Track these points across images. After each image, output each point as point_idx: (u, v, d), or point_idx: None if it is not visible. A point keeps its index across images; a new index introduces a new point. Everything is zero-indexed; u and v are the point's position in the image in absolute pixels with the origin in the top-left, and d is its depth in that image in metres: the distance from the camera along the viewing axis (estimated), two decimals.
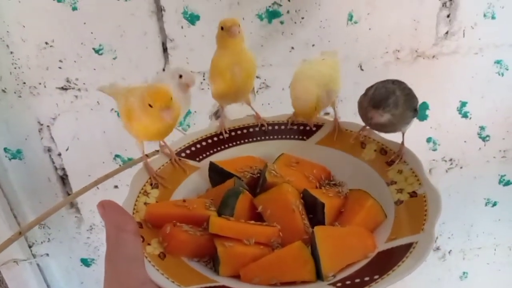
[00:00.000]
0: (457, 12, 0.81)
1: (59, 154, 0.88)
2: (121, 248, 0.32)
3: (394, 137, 0.45)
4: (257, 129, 0.49)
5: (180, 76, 0.50)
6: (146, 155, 0.45)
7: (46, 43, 0.77)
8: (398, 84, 0.41)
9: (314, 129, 0.48)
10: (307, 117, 0.45)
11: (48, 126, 0.84)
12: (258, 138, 0.48)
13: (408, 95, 0.41)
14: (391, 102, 0.39)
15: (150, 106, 0.38)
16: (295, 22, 0.79)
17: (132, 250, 0.32)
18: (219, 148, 0.47)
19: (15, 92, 0.81)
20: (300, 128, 0.49)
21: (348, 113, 0.87)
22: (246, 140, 0.48)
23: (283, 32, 0.80)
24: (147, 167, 0.43)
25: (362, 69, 0.85)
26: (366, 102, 0.40)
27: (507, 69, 0.87)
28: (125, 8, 0.75)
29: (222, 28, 0.46)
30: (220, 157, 0.46)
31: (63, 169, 0.90)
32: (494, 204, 1.04)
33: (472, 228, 1.08)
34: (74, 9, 0.74)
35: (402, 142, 0.43)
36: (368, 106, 0.39)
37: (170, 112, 0.38)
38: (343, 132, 0.47)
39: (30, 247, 0.99)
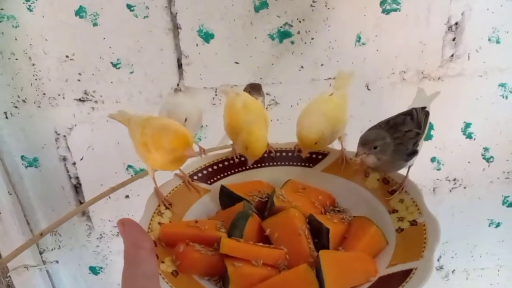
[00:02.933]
0: (462, 36, 0.83)
1: (74, 163, 0.91)
2: (138, 265, 0.34)
3: None
4: (265, 155, 0.50)
5: (185, 120, 0.51)
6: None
7: (67, 56, 0.80)
8: (392, 131, 0.42)
9: (320, 157, 0.50)
10: (306, 149, 0.47)
11: (64, 136, 0.87)
12: (267, 164, 0.50)
13: (400, 144, 0.42)
14: (378, 145, 0.41)
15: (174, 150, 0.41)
16: (305, 42, 0.82)
17: (149, 267, 0.34)
18: (229, 172, 0.49)
19: (34, 102, 0.84)
20: (306, 156, 0.50)
21: (355, 131, 0.89)
22: (255, 166, 0.50)
23: (293, 52, 0.83)
24: (157, 192, 0.45)
25: (369, 89, 0.87)
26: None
27: (511, 92, 0.88)
28: (143, 25, 0.78)
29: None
30: (230, 181, 0.48)
31: (77, 178, 0.92)
32: (498, 225, 1.05)
33: (476, 248, 1.08)
34: (95, 24, 0.77)
35: (407, 175, 0.45)
36: (359, 147, 0.42)
37: (193, 149, 0.41)
38: (347, 161, 0.49)
39: (41, 253, 1.01)
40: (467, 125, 0.92)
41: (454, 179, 0.98)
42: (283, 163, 0.50)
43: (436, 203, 1.00)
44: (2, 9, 0.75)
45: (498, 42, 0.84)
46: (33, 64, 0.80)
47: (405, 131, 0.42)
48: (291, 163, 0.50)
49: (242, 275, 0.36)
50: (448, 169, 0.96)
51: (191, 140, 0.41)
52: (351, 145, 0.50)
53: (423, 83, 0.87)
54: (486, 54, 0.85)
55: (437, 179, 0.98)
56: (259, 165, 0.50)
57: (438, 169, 0.96)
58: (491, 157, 0.95)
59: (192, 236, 0.39)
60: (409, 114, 0.45)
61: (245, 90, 0.59)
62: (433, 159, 0.95)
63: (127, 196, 0.95)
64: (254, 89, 0.58)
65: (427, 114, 0.47)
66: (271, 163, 0.50)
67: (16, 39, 0.78)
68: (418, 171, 0.96)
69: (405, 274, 0.34)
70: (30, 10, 0.76)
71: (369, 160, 0.42)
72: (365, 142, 0.42)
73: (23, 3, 0.75)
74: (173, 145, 0.40)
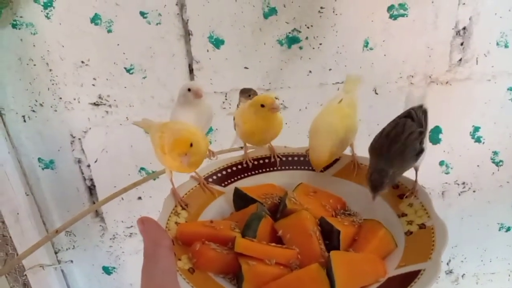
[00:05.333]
0: (470, 40, 0.84)
1: (88, 166, 0.93)
2: (157, 262, 0.35)
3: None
4: (278, 159, 0.52)
5: (189, 90, 0.54)
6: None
7: (82, 62, 0.83)
8: (393, 145, 0.43)
9: (331, 162, 0.51)
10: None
11: (79, 139, 0.90)
12: (279, 168, 0.52)
13: (403, 152, 0.43)
14: (385, 185, 0.42)
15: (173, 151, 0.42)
16: (313, 48, 0.84)
17: (167, 264, 0.35)
18: (243, 175, 0.50)
19: (51, 106, 0.86)
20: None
21: (364, 135, 0.89)
22: (268, 169, 0.51)
23: (302, 57, 0.84)
24: (174, 193, 0.47)
25: (376, 93, 0.88)
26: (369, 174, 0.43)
27: None
28: (156, 32, 0.81)
29: (262, 106, 0.49)
30: (244, 184, 0.49)
31: (91, 179, 0.95)
32: (508, 229, 1.05)
33: (486, 252, 1.08)
34: (109, 31, 0.80)
35: (416, 180, 0.46)
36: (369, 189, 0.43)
37: (188, 157, 0.42)
38: (358, 166, 0.50)
39: (56, 253, 1.03)
40: (476, 129, 0.92)
41: (463, 183, 0.98)
42: (295, 167, 0.52)
43: (445, 207, 1.00)
44: (21, 16, 0.78)
45: (506, 46, 0.84)
46: (50, 70, 0.83)
47: (407, 135, 0.43)
48: (303, 167, 0.52)
49: (256, 273, 0.37)
50: (456, 173, 0.97)
51: (187, 148, 0.42)
52: (360, 149, 0.52)
53: (431, 87, 0.88)
54: (494, 58, 0.85)
55: (446, 183, 0.98)
56: (271, 169, 0.52)
57: (447, 173, 0.97)
58: (501, 161, 0.96)
59: (208, 236, 0.40)
60: (408, 115, 0.45)
61: (242, 95, 0.61)
62: (441, 163, 0.96)
63: (139, 198, 0.97)
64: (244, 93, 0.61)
65: (425, 112, 0.47)
66: (283, 167, 0.52)
67: (34, 45, 0.80)
68: (426, 175, 0.98)
69: (413, 275, 0.35)
70: (48, 18, 0.78)
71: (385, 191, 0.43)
72: (374, 189, 0.42)
73: (41, 11, 0.78)
74: (171, 148, 0.42)
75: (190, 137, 0.43)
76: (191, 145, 0.42)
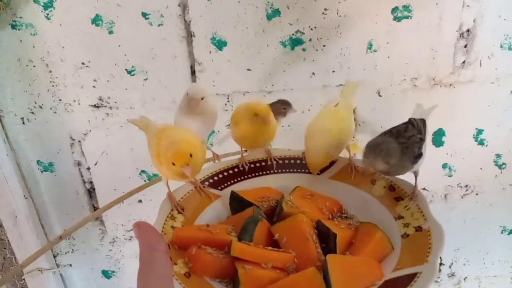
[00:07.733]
0: (474, 43, 0.83)
1: (88, 168, 0.92)
2: (153, 266, 0.35)
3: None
4: (274, 162, 0.52)
5: (187, 94, 0.53)
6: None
7: (83, 63, 0.82)
8: (397, 136, 0.44)
9: (327, 164, 0.51)
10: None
11: (79, 141, 0.90)
12: (275, 171, 0.52)
13: (407, 148, 0.43)
14: (384, 152, 0.42)
15: (173, 164, 0.42)
16: (317, 50, 0.83)
17: (163, 268, 0.35)
18: (239, 179, 0.50)
19: (51, 108, 0.86)
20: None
21: (367, 137, 0.89)
22: (264, 172, 0.51)
23: (305, 59, 0.84)
24: (170, 197, 0.47)
25: (380, 95, 0.88)
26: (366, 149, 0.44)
27: None
28: (157, 33, 0.80)
29: (255, 114, 0.48)
30: (240, 187, 0.49)
31: (91, 182, 0.94)
32: (510, 232, 1.04)
33: (488, 255, 1.07)
34: (111, 32, 0.80)
35: (416, 184, 0.45)
36: (366, 154, 0.43)
37: (190, 167, 0.42)
38: (356, 168, 0.50)
39: (54, 257, 1.03)
40: (479, 131, 0.91)
41: (466, 186, 0.97)
42: (291, 170, 0.52)
43: (448, 210, 0.99)
44: (21, 17, 0.78)
45: (510, 48, 0.83)
46: (50, 71, 0.83)
47: (409, 136, 0.44)
48: (299, 170, 0.51)
49: (252, 277, 0.37)
50: (459, 175, 0.96)
51: (188, 159, 0.42)
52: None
53: (434, 89, 0.87)
54: (498, 61, 0.84)
55: (449, 186, 0.97)
56: (268, 172, 0.52)
57: (450, 176, 0.96)
58: (504, 163, 0.95)
59: (204, 240, 0.40)
60: (409, 122, 0.46)
61: (276, 106, 0.62)
62: (444, 166, 0.95)
63: (140, 201, 0.96)
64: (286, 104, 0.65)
65: (424, 122, 0.48)
66: (279, 170, 0.52)
67: (34, 46, 0.80)
68: (429, 178, 0.97)
69: (410, 278, 0.35)
70: (48, 19, 0.78)
71: (378, 165, 0.43)
72: (372, 146, 0.43)
73: (41, 11, 0.78)
74: (173, 160, 0.42)
75: (188, 148, 0.43)
76: (191, 155, 0.42)
